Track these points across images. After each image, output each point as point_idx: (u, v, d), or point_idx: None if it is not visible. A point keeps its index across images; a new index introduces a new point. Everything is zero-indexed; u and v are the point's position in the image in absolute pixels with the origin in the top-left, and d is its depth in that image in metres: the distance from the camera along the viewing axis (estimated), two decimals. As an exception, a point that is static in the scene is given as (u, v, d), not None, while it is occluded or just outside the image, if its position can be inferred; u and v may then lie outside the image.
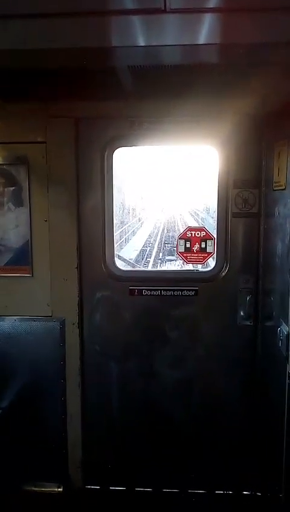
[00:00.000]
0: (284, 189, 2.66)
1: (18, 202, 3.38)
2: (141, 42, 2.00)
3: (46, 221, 3.36)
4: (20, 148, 3.31)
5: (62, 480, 3.57)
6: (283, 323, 2.61)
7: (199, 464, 3.59)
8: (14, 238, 3.41)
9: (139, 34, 1.96)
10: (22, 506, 3.44)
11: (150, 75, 2.63)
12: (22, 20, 1.91)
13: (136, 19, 1.89)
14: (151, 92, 3.02)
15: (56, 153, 3.28)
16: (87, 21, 1.90)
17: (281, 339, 2.59)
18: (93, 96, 3.16)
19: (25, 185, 3.34)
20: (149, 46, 2.03)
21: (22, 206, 3.37)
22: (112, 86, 2.80)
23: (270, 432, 3.09)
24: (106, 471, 3.66)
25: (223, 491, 3.57)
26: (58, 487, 3.57)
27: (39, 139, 3.28)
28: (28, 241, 3.39)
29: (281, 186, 2.73)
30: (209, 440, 3.55)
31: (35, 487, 3.57)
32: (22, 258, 3.42)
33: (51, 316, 3.43)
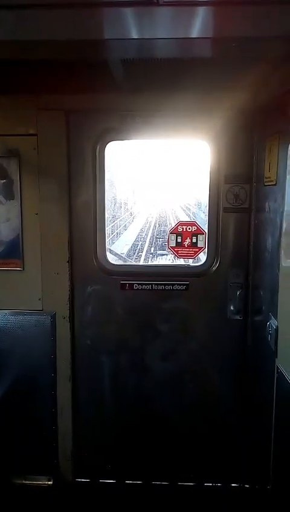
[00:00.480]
0: (275, 184, 2.67)
1: (9, 195, 3.36)
2: (134, 35, 1.99)
3: (37, 214, 3.34)
4: (11, 141, 3.28)
5: (52, 473, 3.58)
6: (272, 317, 2.63)
7: (189, 457, 3.62)
8: (5, 231, 3.39)
9: (132, 27, 1.95)
10: (12, 499, 3.45)
11: (142, 69, 2.62)
12: (13, 11, 1.89)
13: (128, 12, 1.88)
14: (144, 86, 3.01)
15: (47, 146, 3.26)
16: (80, 13, 1.88)
17: (270, 334, 2.61)
18: (84, 89, 3.14)
19: (16, 178, 3.31)
20: (141, 39, 2.03)
21: (13, 199, 3.35)
22: (104, 79, 2.79)
23: (259, 424, 3.12)
24: (96, 464, 3.68)
25: (212, 484, 3.61)
26: (49, 480, 3.59)
27: (31, 131, 3.26)
28: (18, 234, 3.37)
29: (272, 181, 2.74)
30: (198, 432, 3.59)
31: (25, 480, 3.58)
32: (13, 251, 3.40)
33: (41, 310, 3.43)
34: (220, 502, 3.49)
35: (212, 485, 3.61)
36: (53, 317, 3.42)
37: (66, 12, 1.88)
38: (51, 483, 3.58)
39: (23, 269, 3.40)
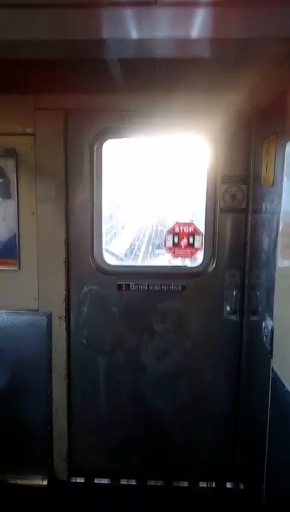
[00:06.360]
0: (272, 185, 2.67)
1: (6, 194, 3.35)
2: (132, 35, 1.99)
3: (33, 214, 3.33)
4: (8, 140, 3.27)
5: (47, 472, 3.58)
6: (268, 318, 2.64)
7: (184, 456, 3.63)
8: (1, 230, 3.38)
9: (130, 27, 1.95)
10: (5, 498, 3.44)
11: (141, 69, 2.62)
12: (12, 10, 1.88)
13: (126, 12, 1.88)
14: (142, 85, 3.00)
15: (45, 145, 3.26)
16: (78, 13, 1.88)
17: (265, 334, 2.62)
18: (83, 88, 3.13)
19: (13, 177, 3.31)
20: (139, 39, 2.03)
21: (10, 199, 3.34)
22: (102, 78, 2.78)
23: (253, 424, 3.13)
24: (91, 464, 3.67)
25: (207, 484, 3.61)
26: (43, 480, 3.58)
27: (28, 131, 3.25)
28: (15, 234, 3.37)
29: (269, 182, 2.75)
30: (193, 432, 3.59)
31: (19, 480, 3.57)
32: (9, 251, 3.40)
33: (37, 310, 3.42)
34: (214, 502, 3.49)
35: (207, 485, 3.61)
36: (49, 317, 3.41)
37: (64, 12, 1.88)
38: (46, 483, 3.57)
39: (20, 268, 3.40)
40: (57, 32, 2.00)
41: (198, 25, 1.90)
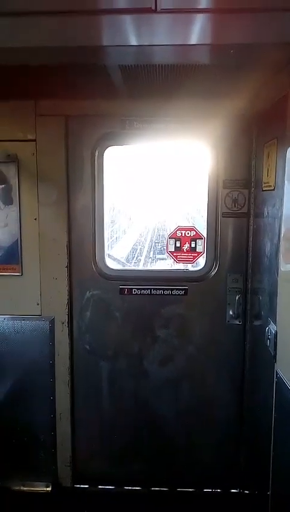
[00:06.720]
0: (273, 189, 2.68)
1: (7, 200, 3.36)
2: (131, 42, 2.00)
3: (35, 219, 3.34)
4: (10, 146, 3.29)
5: (51, 479, 3.56)
6: (271, 322, 2.63)
7: (188, 462, 3.61)
8: (3, 236, 3.39)
9: (130, 34, 1.96)
10: (9, 505, 3.43)
11: (141, 75, 2.63)
12: (12, 17, 1.90)
13: (126, 19, 1.89)
14: (143, 91, 3.02)
15: (46, 151, 3.27)
16: (78, 20, 1.89)
17: (269, 338, 2.61)
18: (84, 94, 3.15)
19: (15, 183, 3.32)
20: (139, 45, 2.04)
21: (12, 204, 3.35)
22: (103, 84, 2.80)
23: (258, 429, 3.11)
24: (95, 469, 3.66)
25: (212, 489, 3.59)
26: (47, 486, 3.56)
27: (29, 137, 3.27)
28: (17, 239, 3.38)
29: (270, 186, 2.75)
30: (198, 438, 3.57)
31: (23, 486, 3.56)
32: (12, 256, 3.40)
33: (40, 315, 3.42)
34: (219, 508, 3.47)
35: (211, 491, 3.59)
36: (52, 322, 3.41)
37: (64, 19, 1.89)
38: (50, 489, 3.56)
39: (22, 274, 3.40)
40: (57, 39, 2.02)
41: (198, 31, 1.91)
